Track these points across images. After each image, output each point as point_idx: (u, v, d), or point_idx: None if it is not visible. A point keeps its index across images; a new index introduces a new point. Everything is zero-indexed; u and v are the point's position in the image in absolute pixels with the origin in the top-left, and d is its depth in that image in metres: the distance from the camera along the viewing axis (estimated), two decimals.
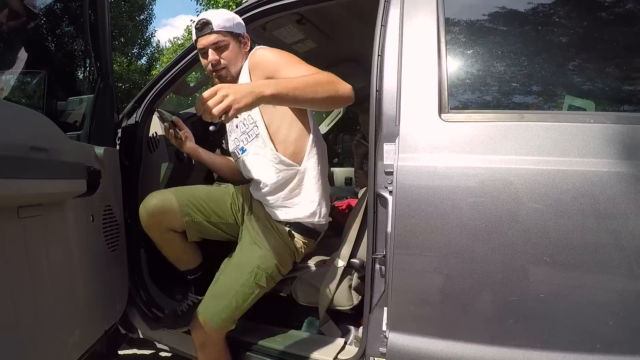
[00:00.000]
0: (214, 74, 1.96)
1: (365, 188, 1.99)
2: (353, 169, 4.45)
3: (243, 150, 1.99)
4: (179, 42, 23.77)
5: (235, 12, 2.09)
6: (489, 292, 1.33)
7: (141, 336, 2.42)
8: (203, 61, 1.98)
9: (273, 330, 2.03)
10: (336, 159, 4.96)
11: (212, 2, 13.27)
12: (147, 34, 23.84)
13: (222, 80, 1.95)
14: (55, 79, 2.33)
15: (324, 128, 4.73)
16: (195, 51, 2.11)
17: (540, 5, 1.59)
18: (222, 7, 12.33)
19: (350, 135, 4.94)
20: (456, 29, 1.58)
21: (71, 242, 1.75)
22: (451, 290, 1.34)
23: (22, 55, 2.18)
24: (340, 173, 4.56)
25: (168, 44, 25.26)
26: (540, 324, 1.29)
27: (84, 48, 2.27)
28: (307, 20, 2.57)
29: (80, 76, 2.33)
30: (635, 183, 1.22)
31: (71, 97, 2.26)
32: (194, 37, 1.98)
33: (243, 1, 10.88)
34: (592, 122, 1.32)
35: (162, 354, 3.15)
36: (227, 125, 2.07)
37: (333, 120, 4.71)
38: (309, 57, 3.30)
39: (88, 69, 2.29)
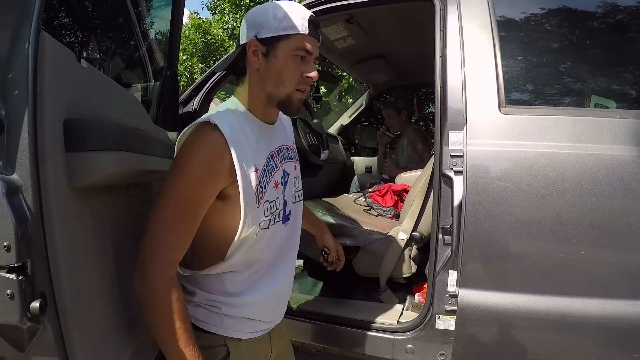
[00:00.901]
0: (301, 88, 1.36)
1: (413, 175, 2.37)
2: (372, 158, 4.86)
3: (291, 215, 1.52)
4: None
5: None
6: (541, 251, 1.74)
7: None
8: (300, 67, 1.32)
9: (336, 300, 2.38)
10: (353, 150, 5.32)
11: None
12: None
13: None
14: (125, 66, 2.62)
15: (345, 119, 5.15)
16: None
17: (580, 11, 2.03)
18: (234, 1, 11.92)
19: (370, 127, 5.35)
20: (507, 36, 1.99)
21: None
22: (512, 251, 1.75)
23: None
24: (361, 162, 4.95)
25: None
26: (580, 277, 1.71)
27: (155, 39, 2.54)
28: (355, 20, 2.95)
29: (145, 64, 2.58)
30: None
31: (135, 84, 2.53)
32: (304, 29, 1.29)
33: None
34: (617, 117, 1.75)
35: None
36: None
37: (355, 112, 5.14)
38: (345, 53, 3.72)
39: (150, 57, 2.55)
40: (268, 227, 1.36)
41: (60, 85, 1.08)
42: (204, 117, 1.28)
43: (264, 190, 1.33)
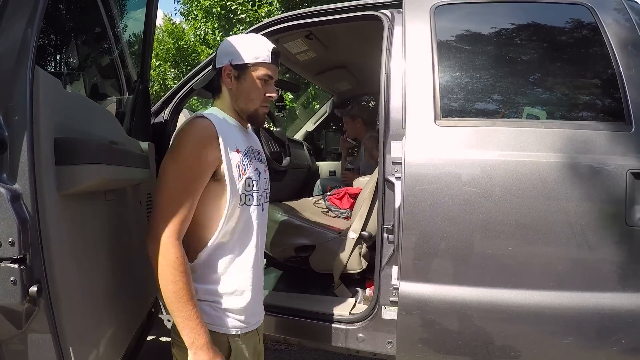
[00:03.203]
0: (265, 104, 1.75)
1: (369, 177, 2.64)
2: (336, 162, 5.13)
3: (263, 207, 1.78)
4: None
5: (260, 26, 2.68)
6: (473, 247, 2.01)
7: (163, 314, 2.95)
8: (264, 88, 1.70)
9: (295, 294, 2.63)
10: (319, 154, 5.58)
11: (194, 2, 13.12)
12: None
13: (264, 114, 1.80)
14: (98, 80, 2.82)
15: (310, 126, 5.44)
16: None
17: (514, 30, 2.35)
18: (205, 10, 12.05)
19: (334, 133, 5.62)
20: (446, 54, 2.27)
21: (131, 223, 2.19)
22: (446, 247, 2.02)
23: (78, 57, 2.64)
24: (325, 166, 5.24)
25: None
26: (510, 270, 1.98)
27: (127, 53, 2.73)
28: (314, 36, 3.23)
29: (119, 78, 2.77)
30: (572, 169, 1.94)
31: (109, 97, 2.72)
32: (267, 59, 1.67)
33: (227, 4, 11.18)
34: (543, 127, 2.04)
35: (163, 338, 3.69)
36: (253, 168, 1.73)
37: (319, 118, 5.44)
38: (306, 65, 3.98)
39: (126, 71, 2.74)
40: (248, 205, 1.66)
41: (51, 110, 1.35)
42: (194, 114, 1.59)
43: (245, 168, 1.64)
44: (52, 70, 2.40)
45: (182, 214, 1.49)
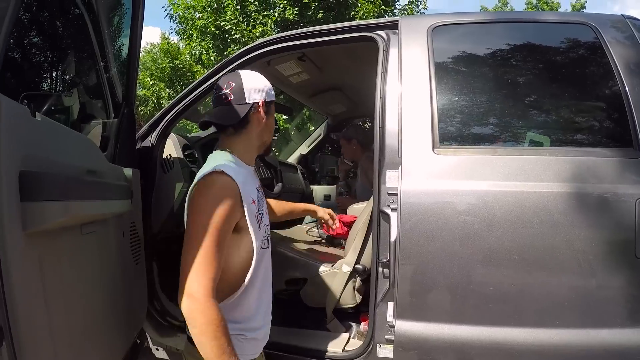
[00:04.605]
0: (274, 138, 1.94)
1: (364, 206, 2.54)
2: (331, 186, 5.05)
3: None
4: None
5: (252, 47, 2.61)
6: (473, 284, 1.92)
7: (151, 345, 2.85)
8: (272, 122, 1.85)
9: (286, 329, 2.51)
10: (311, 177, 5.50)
11: (189, 22, 13.20)
12: None
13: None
14: (81, 103, 2.72)
15: (304, 149, 5.34)
16: (209, 81, 2.62)
17: (515, 53, 2.30)
18: (200, 29, 12.15)
19: (329, 156, 5.54)
20: (444, 78, 2.19)
21: (112, 256, 2.11)
22: (444, 284, 1.93)
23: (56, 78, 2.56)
24: (320, 190, 5.15)
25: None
26: (512, 307, 1.89)
27: (110, 75, 2.64)
28: (307, 57, 3.15)
29: (104, 101, 2.67)
30: (579, 199, 1.87)
31: (94, 121, 2.64)
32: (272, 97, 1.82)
33: (222, 24, 11.20)
34: (548, 155, 1.93)
35: None
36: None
37: (314, 141, 5.35)
38: (300, 87, 3.91)
39: (112, 94, 2.64)
40: (267, 247, 1.80)
41: (16, 141, 1.24)
42: (208, 169, 1.60)
43: (262, 217, 1.75)
44: (28, 93, 2.29)
45: (216, 271, 1.53)
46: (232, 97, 1.72)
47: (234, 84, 1.73)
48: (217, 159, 1.68)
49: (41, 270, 1.36)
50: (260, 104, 1.73)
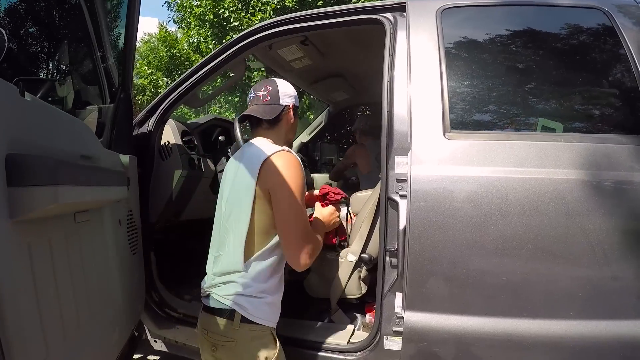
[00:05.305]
0: None
1: (369, 194, 2.46)
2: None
3: None
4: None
5: (253, 30, 2.52)
6: (486, 274, 1.84)
7: (149, 336, 2.78)
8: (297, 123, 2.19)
9: (289, 320, 2.43)
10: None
11: (187, 10, 13.09)
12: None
13: None
14: (75, 88, 2.63)
15: (305, 137, 5.25)
16: (208, 66, 2.55)
17: (527, 36, 2.20)
18: (198, 17, 12.07)
19: (329, 144, 5.46)
20: (454, 62, 2.11)
21: (108, 245, 2.05)
22: (456, 274, 1.84)
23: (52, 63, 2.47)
24: (321, 179, 5.01)
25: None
26: (525, 298, 1.82)
27: (106, 60, 2.54)
28: (310, 42, 3.05)
29: (100, 86, 2.59)
30: (594, 186, 1.78)
31: (89, 107, 2.55)
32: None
33: (220, 12, 11.09)
34: (562, 141, 1.85)
35: (150, 357, 3.52)
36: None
37: (314, 129, 5.25)
38: (302, 73, 3.81)
39: (108, 79, 2.55)
40: None
41: (2, 122, 1.14)
42: (278, 147, 1.91)
43: None
44: (21, 77, 2.20)
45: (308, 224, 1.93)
46: (269, 98, 2.03)
47: (270, 88, 2.05)
48: (265, 144, 1.96)
49: (31, 261, 1.27)
50: (290, 106, 2.06)
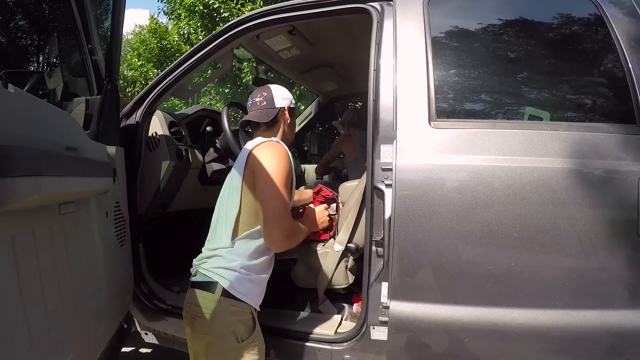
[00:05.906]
0: None
1: (357, 182, 2.45)
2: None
3: None
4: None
5: (240, 20, 2.51)
6: (471, 263, 1.84)
7: (139, 329, 2.78)
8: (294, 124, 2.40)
9: (276, 311, 2.44)
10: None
11: (177, 1, 12.99)
12: None
13: None
14: (63, 80, 2.61)
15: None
16: (196, 57, 2.56)
17: (514, 25, 2.20)
18: (188, 8, 12.03)
19: (319, 134, 5.44)
20: (441, 51, 2.10)
21: (94, 237, 2.05)
22: (441, 263, 1.84)
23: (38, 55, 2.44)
24: (311, 170, 4.99)
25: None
26: (511, 287, 1.82)
27: (94, 52, 2.52)
28: (297, 32, 3.04)
29: (88, 78, 2.56)
30: (580, 175, 1.78)
31: (76, 98, 2.53)
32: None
33: (210, 3, 11.01)
34: (549, 130, 1.85)
35: (142, 350, 3.53)
36: None
37: (304, 120, 5.24)
38: (291, 63, 3.80)
39: (96, 71, 2.53)
40: None
41: None
42: (266, 139, 2.09)
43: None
44: (7, 70, 2.18)
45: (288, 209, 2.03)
46: (265, 103, 2.24)
47: (265, 94, 2.25)
48: (259, 139, 2.11)
49: (14, 252, 1.27)
50: (286, 108, 2.26)
